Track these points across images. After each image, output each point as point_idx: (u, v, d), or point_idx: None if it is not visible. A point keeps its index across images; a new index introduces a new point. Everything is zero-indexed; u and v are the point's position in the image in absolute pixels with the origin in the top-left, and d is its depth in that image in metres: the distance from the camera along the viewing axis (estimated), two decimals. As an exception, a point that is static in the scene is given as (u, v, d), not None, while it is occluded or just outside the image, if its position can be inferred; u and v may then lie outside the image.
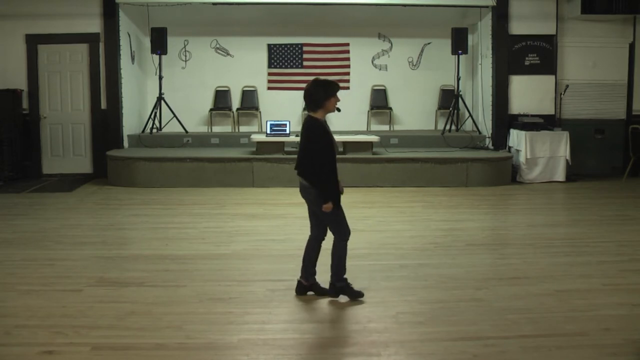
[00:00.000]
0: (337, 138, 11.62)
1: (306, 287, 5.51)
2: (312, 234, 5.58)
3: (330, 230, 5.42)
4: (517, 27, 12.20)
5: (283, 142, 11.28)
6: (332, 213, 5.21)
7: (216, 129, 13.55)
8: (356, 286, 5.73)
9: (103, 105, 12.03)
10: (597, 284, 5.83)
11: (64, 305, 5.22)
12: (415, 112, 13.50)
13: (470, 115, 12.72)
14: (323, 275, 5.51)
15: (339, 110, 5.45)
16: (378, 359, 4.24)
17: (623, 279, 5.99)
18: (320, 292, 5.48)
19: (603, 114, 12.51)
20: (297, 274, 6.07)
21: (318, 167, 5.19)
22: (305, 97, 5.30)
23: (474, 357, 4.27)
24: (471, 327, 4.72)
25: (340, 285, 5.36)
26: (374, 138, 11.42)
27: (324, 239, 5.55)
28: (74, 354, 4.29)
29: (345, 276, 5.39)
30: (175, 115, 12.52)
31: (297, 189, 9.72)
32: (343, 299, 5.33)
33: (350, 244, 7.18)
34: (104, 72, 11.96)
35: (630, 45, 12.45)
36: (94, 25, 11.87)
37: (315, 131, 5.25)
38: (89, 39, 11.89)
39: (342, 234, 5.37)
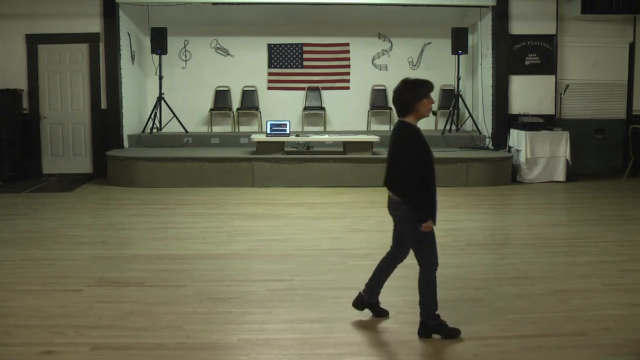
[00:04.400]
0: (337, 138, 11.77)
1: (366, 303, 5.01)
2: (392, 249, 4.97)
3: (416, 258, 4.67)
4: (517, 27, 12.20)
5: (283, 142, 11.28)
6: (421, 237, 4.52)
7: (216, 129, 13.55)
8: (356, 285, 5.71)
9: (103, 105, 12.03)
10: (597, 283, 5.83)
11: (64, 305, 5.21)
12: (415, 112, 13.48)
13: (471, 115, 12.72)
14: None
15: (434, 113, 5.05)
16: (378, 359, 4.24)
17: (623, 278, 5.98)
18: (378, 314, 4.99)
19: (603, 114, 12.51)
20: (297, 274, 6.08)
21: (412, 181, 4.47)
22: (393, 100, 4.65)
23: (474, 357, 4.27)
24: (471, 327, 4.71)
25: (432, 324, 4.59)
26: (374, 138, 11.42)
27: (401, 261, 4.96)
28: (74, 353, 4.29)
29: (437, 312, 4.63)
30: (175, 115, 12.52)
31: (298, 189, 9.64)
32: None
33: (351, 244, 7.24)
34: (104, 72, 11.97)
35: (630, 45, 12.45)
36: (94, 25, 11.88)
37: (407, 139, 4.53)
38: (89, 38, 11.90)
39: (429, 264, 4.61)
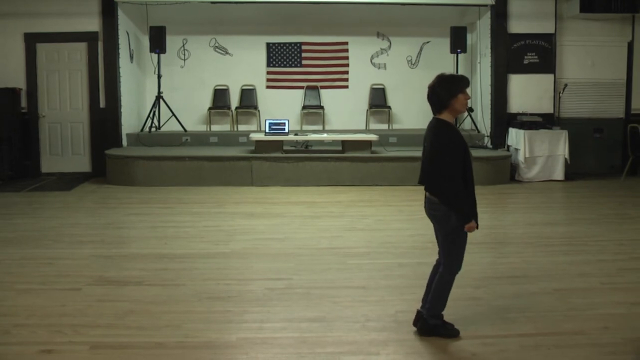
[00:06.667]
0: (336, 137, 11.78)
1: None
2: (439, 257, 4.71)
3: (441, 256, 4.60)
4: (516, 26, 12.21)
5: (282, 141, 11.28)
6: (455, 238, 4.43)
7: (215, 127, 13.55)
8: (355, 284, 5.74)
9: (102, 104, 12.03)
10: (596, 282, 5.83)
11: (63, 304, 5.22)
12: (414, 111, 13.48)
13: (469, 114, 12.72)
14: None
15: (470, 110, 4.78)
16: (377, 358, 4.24)
17: (622, 277, 5.99)
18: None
19: (602, 113, 12.52)
20: (296, 273, 6.08)
21: (452, 180, 4.30)
22: (429, 96, 4.50)
23: (472, 355, 4.28)
24: (470, 326, 4.72)
25: (433, 323, 4.56)
26: (372, 137, 11.42)
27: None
28: (73, 352, 4.30)
29: (442, 312, 4.61)
30: (174, 114, 12.52)
31: (297, 187, 9.68)
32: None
33: (350, 242, 7.25)
34: (103, 70, 11.95)
35: (629, 44, 12.46)
36: (92, 24, 11.87)
37: (443, 136, 4.40)
38: (87, 37, 11.89)
39: (453, 265, 4.52)
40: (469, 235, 4.45)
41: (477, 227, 4.41)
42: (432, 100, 4.47)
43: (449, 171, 4.30)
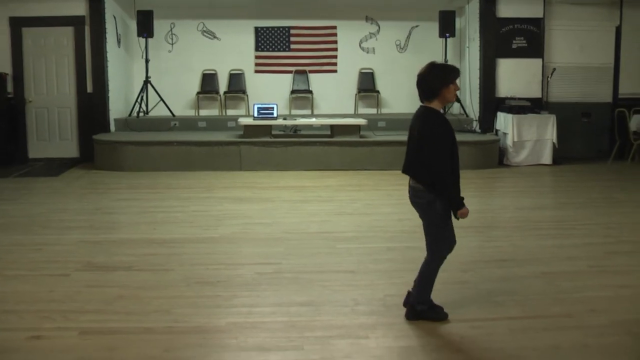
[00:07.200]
0: (324, 121, 11.76)
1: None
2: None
3: (426, 243, 4.59)
4: (505, 10, 12.21)
5: (270, 126, 11.26)
6: (441, 224, 4.46)
7: (203, 112, 13.51)
8: (344, 268, 5.75)
9: (89, 89, 11.95)
10: (583, 266, 5.87)
11: (52, 290, 5.21)
12: (402, 95, 13.47)
13: (458, 99, 12.72)
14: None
15: (458, 100, 4.89)
16: (366, 342, 4.26)
17: (609, 260, 6.03)
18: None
19: (589, 97, 12.57)
20: (285, 257, 6.09)
21: (441, 168, 4.31)
22: (419, 84, 4.44)
23: (461, 338, 4.30)
24: (458, 309, 4.74)
25: (420, 309, 4.58)
26: (361, 121, 11.42)
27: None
28: (62, 338, 4.29)
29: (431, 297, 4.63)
30: (162, 99, 12.47)
31: (286, 172, 9.68)
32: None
33: (339, 227, 7.26)
34: (90, 55, 11.87)
35: (617, 28, 12.49)
36: (79, 7, 11.77)
37: (434, 124, 4.37)
38: (74, 22, 11.80)
39: (438, 252, 4.54)
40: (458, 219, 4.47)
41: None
42: (424, 88, 4.43)
43: (440, 159, 4.31)
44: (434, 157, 4.31)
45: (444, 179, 4.32)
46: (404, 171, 4.57)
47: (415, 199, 4.53)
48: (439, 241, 4.53)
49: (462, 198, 4.41)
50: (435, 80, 4.38)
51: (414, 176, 4.49)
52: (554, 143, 11.57)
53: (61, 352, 4.10)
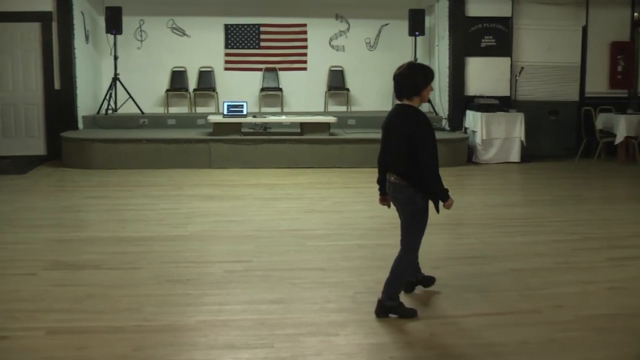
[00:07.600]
0: (294, 119, 11.75)
1: (414, 283, 5.09)
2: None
3: (401, 238, 4.66)
4: (474, 9, 12.29)
5: (240, 123, 11.22)
6: (419, 218, 4.56)
7: (173, 110, 13.43)
8: (314, 266, 5.75)
9: (57, 86, 11.80)
10: (551, 262, 5.93)
11: (18, 289, 5.13)
12: (372, 93, 13.52)
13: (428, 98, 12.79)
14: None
15: (428, 99, 4.86)
16: (336, 339, 4.27)
17: (576, 257, 6.10)
18: (428, 283, 5.13)
19: (557, 96, 12.71)
20: (255, 255, 6.08)
21: (429, 163, 4.42)
22: (402, 82, 4.49)
23: (431, 335, 4.33)
24: (428, 306, 4.77)
25: (390, 305, 4.59)
26: (331, 119, 11.43)
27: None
28: (29, 338, 4.23)
29: (399, 294, 4.68)
30: (130, 96, 12.36)
31: (255, 170, 9.64)
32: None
33: (309, 224, 7.26)
34: (57, 51, 11.71)
35: (583, 28, 12.64)
36: (46, 3, 11.60)
37: (423, 123, 4.45)
38: (41, 17, 11.63)
39: (411, 246, 4.64)
40: (429, 216, 4.54)
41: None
42: (406, 87, 4.49)
43: (434, 156, 4.44)
44: (429, 155, 4.42)
45: (436, 175, 4.46)
46: (387, 168, 4.65)
47: (396, 195, 4.60)
48: (416, 234, 4.61)
49: (447, 190, 4.56)
50: (419, 79, 4.48)
51: (403, 172, 4.53)
52: (522, 141, 11.68)
53: (28, 352, 4.04)
